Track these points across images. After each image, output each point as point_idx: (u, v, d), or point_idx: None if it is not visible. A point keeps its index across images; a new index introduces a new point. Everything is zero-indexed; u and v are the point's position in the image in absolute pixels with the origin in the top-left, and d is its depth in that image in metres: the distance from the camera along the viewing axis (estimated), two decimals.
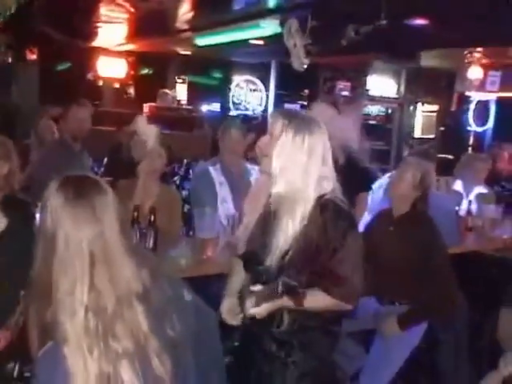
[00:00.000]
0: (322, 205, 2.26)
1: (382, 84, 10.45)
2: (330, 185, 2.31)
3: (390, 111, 11.03)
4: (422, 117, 10.84)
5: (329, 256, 2.22)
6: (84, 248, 1.54)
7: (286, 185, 2.27)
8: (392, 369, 3.41)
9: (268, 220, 2.38)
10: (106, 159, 5.92)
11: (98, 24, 7.53)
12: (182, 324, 1.65)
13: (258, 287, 2.22)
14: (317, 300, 2.24)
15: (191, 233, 4.15)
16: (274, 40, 6.13)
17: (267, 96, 10.70)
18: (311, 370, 2.39)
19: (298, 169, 2.26)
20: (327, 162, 2.32)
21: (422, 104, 10.79)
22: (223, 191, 4.24)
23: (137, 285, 1.58)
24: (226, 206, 4.14)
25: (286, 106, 10.74)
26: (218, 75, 11.54)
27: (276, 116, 2.32)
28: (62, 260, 1.54)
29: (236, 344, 2.45)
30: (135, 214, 3.54)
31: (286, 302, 2.20)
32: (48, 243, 1.58)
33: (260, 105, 10.71)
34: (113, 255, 1.56)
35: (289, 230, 2.25)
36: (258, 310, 2.22)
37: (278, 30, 5.28)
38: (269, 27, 5.43)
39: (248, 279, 2.43)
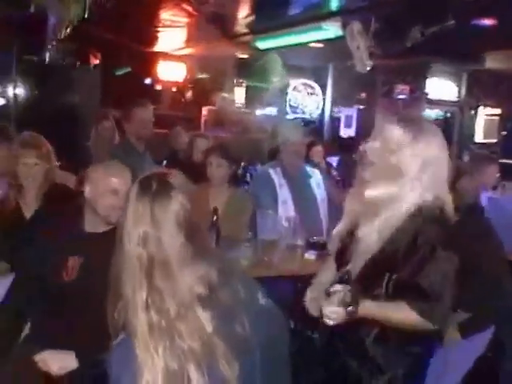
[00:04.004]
0: (417, 214, 2.11)
1: (441, 87, 10.26)
2: (430, 193, 2.14)
3: (449, 115, 10.83)
4: (484, 120, 10.60)
5: (415, 268, 2.08)
6: (141, 250, 1.57)
7: (382, 189, 2.14)
8: (455, 379, 3.33)
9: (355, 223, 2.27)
10: (165, 162, 6.00)
11: (159, 28, 7.64)
12: (254, 327, 1.65)
13: (336, 287, 2.05)
14: (398, 310, 2.10)
15: (251, 234, 4.16)
16: (333, 43, 6.10)
17: (324, 99, 10.64)
18: None
19: (401, 177, 2.13)
20: (429, 170, 2.15)
21: (484, 107, 10.54)
22: (284, 193, 4.24)
23: (199, 288, 1.59)
24: (286, 207, 4.15)
25: (343, 109, 10.68)
26: (275, 79, 11.55)
27: (392, 123, 2.16)
28: (125, 259, 1.58)
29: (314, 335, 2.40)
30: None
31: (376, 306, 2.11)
32: (118, 241, 1.62)
33: (317, 108, 10.67)
34: (172, 261, 1.58)
35: (375, 235, 2.12)
36: (337, 309, 2.02)
37: (340, 32, 5.25)
38: (331, 30, 5.40)
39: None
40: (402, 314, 2.09)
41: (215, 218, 3.62)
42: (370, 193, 2.16)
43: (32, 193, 3.45)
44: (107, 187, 2.55)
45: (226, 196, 4.01)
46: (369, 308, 2.08)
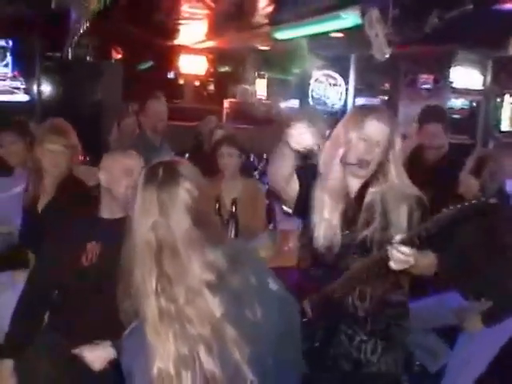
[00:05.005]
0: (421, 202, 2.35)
1: (466, 75, 10.11)
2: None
3: (474, 104, 10.67)
4: (511, 109, 10.42)
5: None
6: (150, 238, 1.58)
7: (388, 183, 2.35)
8: (478, 367, 3.29)
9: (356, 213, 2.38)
10: (187, 154, 6.01)
11: (179, 21, 7.64)
12: (265, 312, 1.65)
13: (398, 236, 2.12)
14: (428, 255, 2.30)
15: (271, 225, 4.15)
16: (354, 32, 6.04)
17: (347, 90, 10.56)
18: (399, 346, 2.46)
19: (398, 168, 2.37)
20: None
21: (510, 95, 10.36)
22: None
23: (209, 275, 1.59)
24: None
25: (366, 100, 10.57)
26: (296, 70, 11.50)
27: (377, 120, 2.32)
28: (134, 247, 1.59)
29: (316, 345, 2.41)
30: (216, 205, 3.60)
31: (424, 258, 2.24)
32: (128, 231, 1.63)
33: (340, 99, 10.58)
34: (180, 247, 1.59)
35: (398, 224, 2.29)
36: (407, 250, 2.07)
37: (359, 21, 5.19)
38: (349, 18, 5.35)
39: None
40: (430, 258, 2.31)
41: (234, 209, 3.63)
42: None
43: (50, 181, 3.43)
44: (121, 169, 2.62)
45: (240, 187, 4.02)
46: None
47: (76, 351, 2.28)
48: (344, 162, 2.34)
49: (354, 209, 2.38)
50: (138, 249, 1.59)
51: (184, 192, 1.62)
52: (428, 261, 2.31)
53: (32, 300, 2.65)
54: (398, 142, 2.35)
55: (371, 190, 2.37)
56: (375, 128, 2.30)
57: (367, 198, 2.36)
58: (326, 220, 2.36)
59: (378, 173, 2.36)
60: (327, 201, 2.37)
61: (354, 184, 2.41)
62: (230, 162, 4.01)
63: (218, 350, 1.56)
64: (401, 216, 2.30)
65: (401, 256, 2.07)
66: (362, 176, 2.38)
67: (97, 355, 2.28)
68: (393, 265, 2.10)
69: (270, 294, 1.74)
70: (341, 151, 2.34)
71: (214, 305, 1.58)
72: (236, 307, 1.61)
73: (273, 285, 1.76)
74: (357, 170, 2.35)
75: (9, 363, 2.50)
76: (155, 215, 1.59)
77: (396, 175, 2.35)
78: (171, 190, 1.61)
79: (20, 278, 3.08)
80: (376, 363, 2.38)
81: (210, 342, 1.55)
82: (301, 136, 2.20)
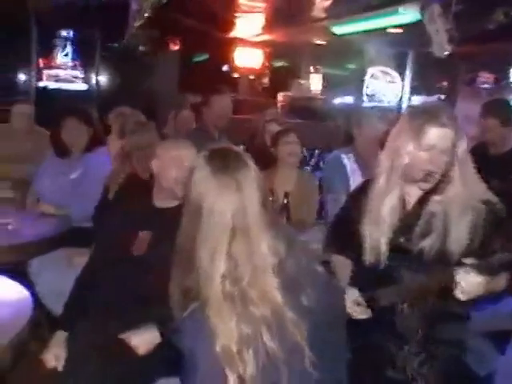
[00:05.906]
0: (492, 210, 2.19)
1: None
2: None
3: None
4: None
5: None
6: (227, 219, 1.61)
7: (454, 189, 2.18)
8: None
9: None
10: (241, 147, 6.02)
11: (237, 14, 7.67)
12: (316, 295, 1.67)
13: (470, 260, 2.05)
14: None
15: (323, 220, 4.13)
16: (412, 28, 5.94)
17: (403, 88, 10.40)
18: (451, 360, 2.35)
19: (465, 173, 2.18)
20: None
21: None
22: (356, 178, 4.18)
23: (272, 257, 1.62)
24: None
25: (423, 98, 10.40)
26: (352, 66, 11.39)
27: (439, 125, 2.12)
28: (206, 230, 1.61)
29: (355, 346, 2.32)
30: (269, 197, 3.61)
31: (498, 280, 2.11)
32: (193, 214, 1.65)
33: (396, 97, 10.42)
34: (251, 227, 1.63)
35: (458, 238, 2.15)
36: (479, 279, 2.01)
37: (418, 16, 5.10)
38: (408, 14, 5.26)
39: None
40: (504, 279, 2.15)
41: (286, 201, 3.63)
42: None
43: (116, 173, 3.55)
44: (172, 160, 2.65)
45: (295, 179, 4.03)
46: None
47: (122, 336, 2.32)
48: (408, 178, 2.21)
49: (410, 217, 2.24)
50: (210, 232, 1.61)
51: (254, 171, 1.67)
52: (501, 282, 2.17)
53: (88, 280, 2.71)
54: (463, 143, 2.18)
55: (434, 198, 2.21)
56: (437, 135, 2.11)
57: (428, 207, 2.20)
58: (376, 233, 2.24)
59: (442, 180, 2.18)
60: (381, 216, 2.23)
61: (413, 192, 2.26)
62: (296, 150, 4.03)
63: (277, 330, 1.59)
64: (462, 230, 2.13)
65: (465, 286, 2.02)
66: (426, 188, 2.23)
67: (142, 340, 2.32)
68: (459, 295, 2.04)
69: (320, 277, 1.77)
70: (400, 165, 2.19)
71: (275, 287, 1.60)
72: (292, 291, 1.64)
73: (320, 268, 1.79)
74: (422, 185, 2.21)
75: (62, 335, 2.52)
76: (233, 196, 1.61)
77: (462, 183, 2.16)
78: (245, 169, 1.66)
79: (78, 257, 3.18)
80: (423, 378, 2.24)
81: (271, 322, 1.58)
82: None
